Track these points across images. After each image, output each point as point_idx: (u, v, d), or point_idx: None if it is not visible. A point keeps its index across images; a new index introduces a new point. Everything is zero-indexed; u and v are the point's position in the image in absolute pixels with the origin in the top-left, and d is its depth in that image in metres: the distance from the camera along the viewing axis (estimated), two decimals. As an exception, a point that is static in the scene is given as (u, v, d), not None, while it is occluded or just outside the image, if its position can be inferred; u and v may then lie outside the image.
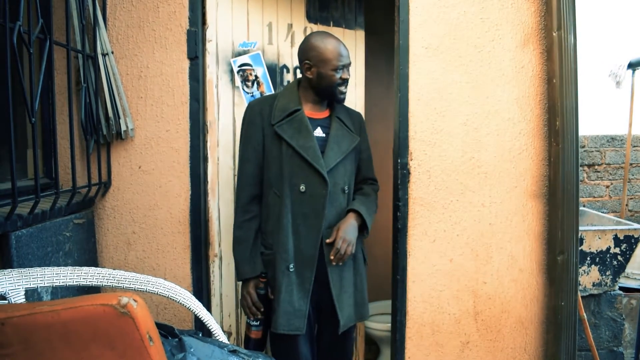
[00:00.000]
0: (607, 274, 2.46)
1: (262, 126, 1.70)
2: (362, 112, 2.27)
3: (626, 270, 2.68)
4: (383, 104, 3.10)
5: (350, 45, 2.24)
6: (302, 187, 1.64)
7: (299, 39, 2.13)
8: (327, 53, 1.65)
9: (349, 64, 1.70)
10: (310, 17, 2.17)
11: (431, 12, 1.92)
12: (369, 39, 2.35)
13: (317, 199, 1.65)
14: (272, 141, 1.68)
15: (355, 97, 2.26)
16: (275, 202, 1.68)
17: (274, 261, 1.68)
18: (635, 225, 2.49)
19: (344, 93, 1.73)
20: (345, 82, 1.70)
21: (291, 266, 1.65)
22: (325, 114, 1.78)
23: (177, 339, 1.24)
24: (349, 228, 1.67)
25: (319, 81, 1.69)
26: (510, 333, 2.00)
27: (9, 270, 1.25)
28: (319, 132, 1.72)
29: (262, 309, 1.68)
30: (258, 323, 1.70)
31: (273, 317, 1.65)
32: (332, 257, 1.62)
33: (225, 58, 2.05)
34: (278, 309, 1.63)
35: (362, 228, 1.74)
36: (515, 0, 1.92)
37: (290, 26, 2.13)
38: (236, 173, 2.10)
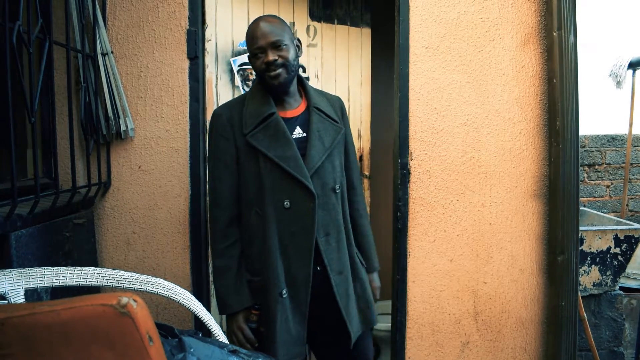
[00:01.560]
0: (608, 274, 2.45)
1: (233, 138, 1.48)
2: (368, 111, 2.27)
3: (626, 270, 2.68)
4: (384, 103, 3.10)
5: (355, 43, 2.24)
6: (287, 203, 1.45)
7: (302, 38, 2.13)
8: (247, 39, 1.45)
9: (273, 43, 1.41)
10: (314, 15, 2.17)
11: (431, 11, 1.91)
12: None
13: (304, 215, 1.45)
14: (247, 154, 1.47)
15: (360, 95, 2.26)
16: (258, 222, 1.48)
17: (264, 288, 1.48)
18: (636, 225, 2.48)
19: (276, 77, 1.43)
20: (270, 64, 1.41)
21: (284, 292, 1.46)
22: (301, 108, 1.54)
23: (177, 339, 1.24)
24: (377, 280, 1.72)
25: (255, 72, 1.49)
26: (510, 333, 2.00)
27: (9, 270, 1.25)
28: (298, 132, 1.50)
29: (257, 344, 1.50)
30: None
31: (270, 349, 1.47)
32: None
33: (224, 58, 2.05)
34: (275, 339, 1.45)
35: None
36: (515, 0, 1.92)
37: (292, 25, 2.13)
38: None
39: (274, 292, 1.47)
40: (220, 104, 2.04)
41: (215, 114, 1.53)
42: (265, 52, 1.41)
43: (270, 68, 1.42)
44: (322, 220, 1.48)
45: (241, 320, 1.50)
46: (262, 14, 2.08)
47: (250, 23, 1.46)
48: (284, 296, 1.47)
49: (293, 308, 1.48)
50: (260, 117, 1.46)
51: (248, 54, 1.48)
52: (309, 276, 1.47)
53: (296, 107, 1.53)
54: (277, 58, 1.41)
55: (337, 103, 1.63)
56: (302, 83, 1.58)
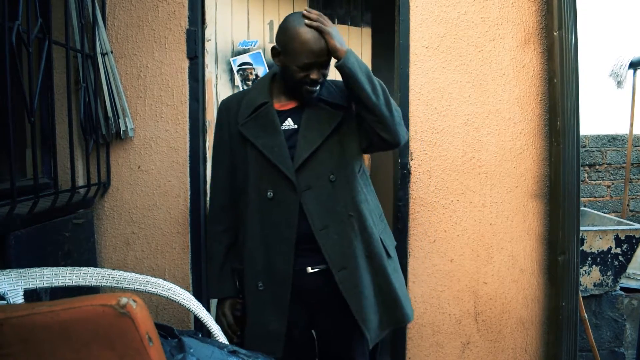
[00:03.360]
0: (608, 274, 2.45)
1: (228, 127, 1.49)
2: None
3: (627, 271, 2.67)
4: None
5: (356, 43, 2.23)
6: (270, 193, 1.42)
7: (300, 38, 2.13)
8: (296, 44, 1.33)
9: (324, 62, 1.37)
10: (313, 16, 2.17)
11: (431, 11, 1.91)
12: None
13: (287, 206, 1.40)
14: (239, 143, 1.47)
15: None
16: (244, 210, 1.47)
17: (245, 278, 1.49)
18: (637, 226, 2.48)
19: (313, 92, 1.40)
20: (314, 82, 1.37)
21: (260, 284, 1.44)
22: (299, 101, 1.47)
23: (176, 340, 1.23)
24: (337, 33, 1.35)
25: (283, 74, 1.42)
26: (511, 334, 1.99)
27: (8, 270, 1.25)
28: (289, 124, 1.44)
29: (239, 332, 1.51)
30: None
31: (242, 341, 1.48)
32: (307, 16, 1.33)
33: (224, 57, 2.05)
34: (247, 331, 1.47)
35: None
36: (515, -1, 1.92)
37: (291, 25, 2.13)
38: None
39: (250, 282, 1.46)
40: (219, 104, 2.05)
41: (220, 104, 1.55)
42: (313, 70, 1.36)
43: (313, 84, 1.38)
44: (317, 212, 1.41)
45: (226, 306, 1.51)
46: (262, 14, 2.09)
47: (299, 23, 1.34)
48: (260, 288, 1.44)
49: (271, 303, 1.44)
50: (253, 107, 1.45)
51: (274, 46, 1.41)
52: (289, 271, 1.42)
53: (295, 101, 1.47)
54: (320, 78, 1.37)
55: (343, 87, 1.47)
56: None
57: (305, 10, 1.36)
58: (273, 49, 1.42)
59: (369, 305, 1.42)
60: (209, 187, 1.57)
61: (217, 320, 1.50)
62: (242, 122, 1.44)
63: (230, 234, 1.53)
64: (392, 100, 1.40)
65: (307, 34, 1.33)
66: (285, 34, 1.37)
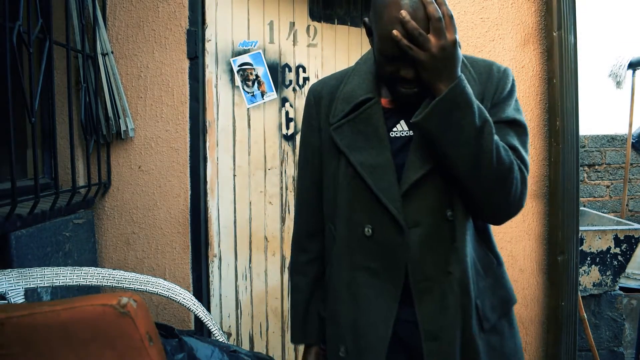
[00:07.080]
0: (608, 274, 2.45)
1: (318, 126, 1.09)
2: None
3: (626, 271, 2.68)
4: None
5: (356, 44, 2.23)
6: (368, 230, 1.01)
7: (302, 37, 2.13)
8: (382, 22, 0.88)
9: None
10: (314, 15, 2.17)
11: (431, 12, 1.91)
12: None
13: (390, 249, 1.00)
14: (330, 150, 1.06)
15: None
16: (331, 243, 1.09)
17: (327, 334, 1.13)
18: (636, 226, 2.48)
19: (407, 95, 0.94)
20: (406, 81, 0.92)
21: (342, 350, 1.04)
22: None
23: (176, 339, 1.24)
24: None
25: (375, 60, 1.00)
26: (510, 333, 2.00)
27: (9, 270, 1.25)
28: (401, 129, 1.01)
29: None
30: None
31: None
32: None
33: (224, 57, 2.05)
34: None
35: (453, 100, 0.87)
36: (515, 0, 1.92)
37: (292, 24, 2.13)
38: (236, 173, 2.09)
39: (332, 343, 1.08)
40: (219, 104, 2.05)
41: (309, 90, 1.13)
42: (400, 63, 0.90)
43: (406, 83, 0.93)
44: (423, 260, 0.99)
45: (311, 356, 1.15)
46: (262, 15, 2.09)
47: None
48: (342, 355, 1.05)
49: None
50: (352, 104, 1.02)
51: (365, 19, 1.02)
52: (386, 338, 1.01)
53: None
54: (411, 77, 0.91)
55: (484, 74, 1.01)
56: None
57: None
58: (364, 23, 1.01)
59: None
60: (294, 204, 1.23)
61: None
62: (336, 124, 1.03)
63: (318, 264, 1.16)
64: (507, 162, 1.00)
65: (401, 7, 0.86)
66: (375, 3, 0.92)
